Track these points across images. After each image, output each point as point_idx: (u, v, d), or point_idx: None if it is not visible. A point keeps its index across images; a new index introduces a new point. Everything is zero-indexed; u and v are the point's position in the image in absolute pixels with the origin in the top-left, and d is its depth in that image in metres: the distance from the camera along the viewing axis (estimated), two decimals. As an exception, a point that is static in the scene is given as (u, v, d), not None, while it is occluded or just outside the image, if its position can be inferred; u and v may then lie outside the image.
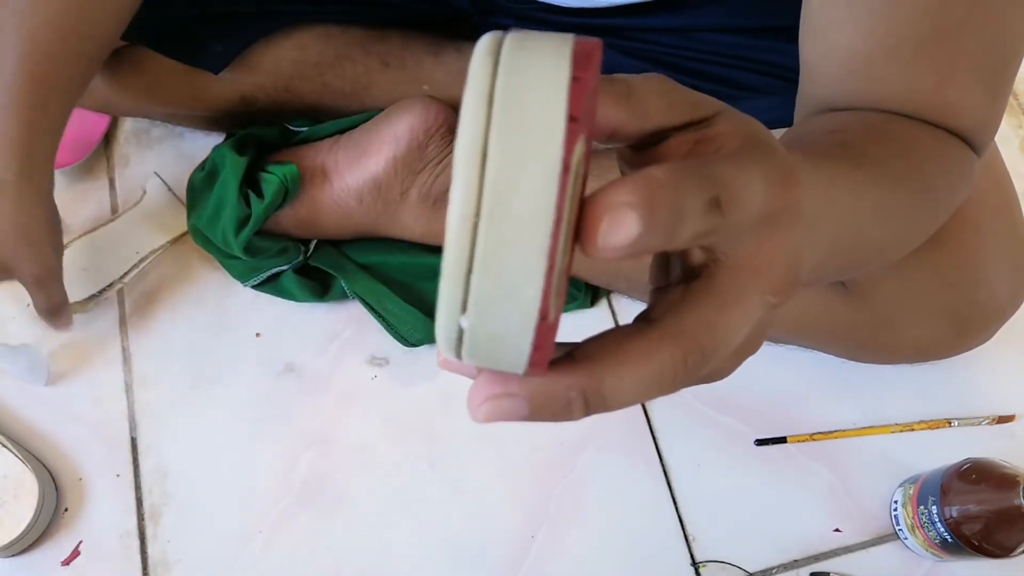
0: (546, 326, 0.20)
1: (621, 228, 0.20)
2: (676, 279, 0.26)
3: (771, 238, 0.25)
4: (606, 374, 0.23)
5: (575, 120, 0.19)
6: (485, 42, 0.21)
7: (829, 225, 0.33)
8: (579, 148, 0.20)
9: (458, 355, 0.21)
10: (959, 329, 0.65)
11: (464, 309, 0.20)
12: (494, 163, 0.19)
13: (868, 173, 0.38)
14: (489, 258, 0.19)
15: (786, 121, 0.52)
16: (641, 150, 0.26)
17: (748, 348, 0.26)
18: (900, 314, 0.64)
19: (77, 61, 0.65)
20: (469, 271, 0.20)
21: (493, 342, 0.21)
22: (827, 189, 0.33)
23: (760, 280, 0.25)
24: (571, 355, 0.24)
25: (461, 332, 0.21)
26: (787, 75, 0.50)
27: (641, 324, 0.24)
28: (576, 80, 0.20)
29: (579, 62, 0.20)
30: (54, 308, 0.69)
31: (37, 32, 0.62)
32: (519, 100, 0.19)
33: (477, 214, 0.19)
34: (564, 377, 0.23)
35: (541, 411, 0.23)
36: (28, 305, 0.74)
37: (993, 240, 0.62)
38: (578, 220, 0.21)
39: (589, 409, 0.23)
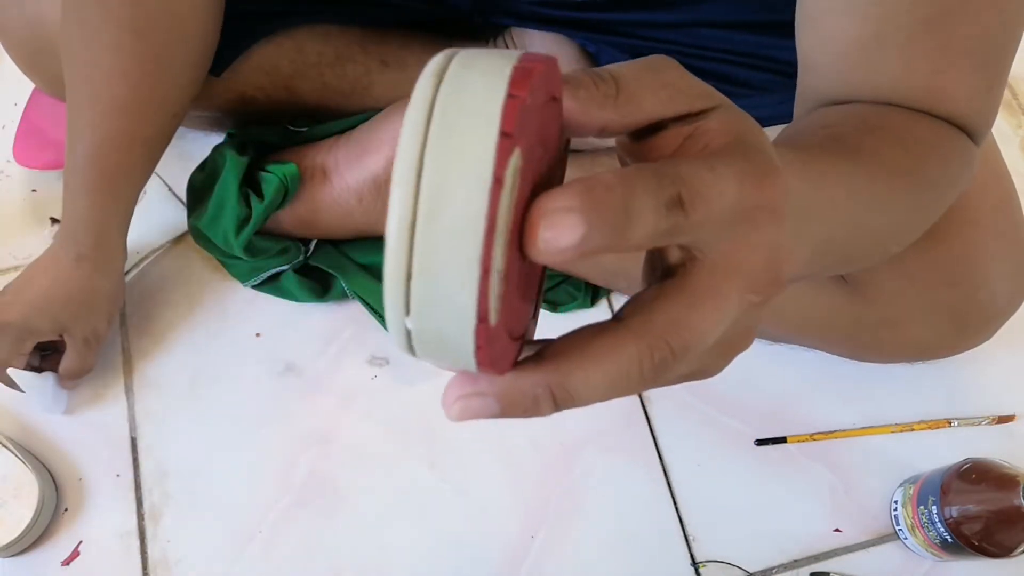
0: (487, 327, 0.21)
1: (563, 231, 0.20)
2: (655, 279, 0.26)
3: (748, 237, 0.25)
4: (572, 370, 0.24)
5: (508, 136, 0.20)
6: (435, 61, 0.22)
7: (822, 220, 0.32)
8: (514, 161, 0.21)
9: (412, 353, 0.23)
10: (959, 328, 0.65)
11: (408, 312, 0.21)
12: (428, 177, 0.20)
13: (863, 165, 0.38)
14: (425, 265, 0.21)
15: (785, 117, 0.52)
16: (639, 139, 0.26)
17: (734, 346, 0.26)
18: (901, 312, 0.64)
19: (142, 146, 0.68)
20: (409, 276, 0.21)
21: (438, 343, 0.22)
22: (819, 184, 0.33)
23: (737, 279, 0.25)
24: (540, 354, 0.24)
25: (409, 332, 0.22)
26: (786, 70, 0.49)
27: (610, 322, 0.25)
28: (512, 97, 0.21)
29: (517, 81, 0.21)
30: (80, 372, 0.74)
31: (103, 120, 0.65)
32: (455, 118, 0.21)
33: (413, 224, 0.21)
34: (531, 375, 0.24)
35: (511, 408, 0.24)
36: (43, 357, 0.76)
37: (994, 239, 0.62)
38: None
39: (558, 405, 0.24)
